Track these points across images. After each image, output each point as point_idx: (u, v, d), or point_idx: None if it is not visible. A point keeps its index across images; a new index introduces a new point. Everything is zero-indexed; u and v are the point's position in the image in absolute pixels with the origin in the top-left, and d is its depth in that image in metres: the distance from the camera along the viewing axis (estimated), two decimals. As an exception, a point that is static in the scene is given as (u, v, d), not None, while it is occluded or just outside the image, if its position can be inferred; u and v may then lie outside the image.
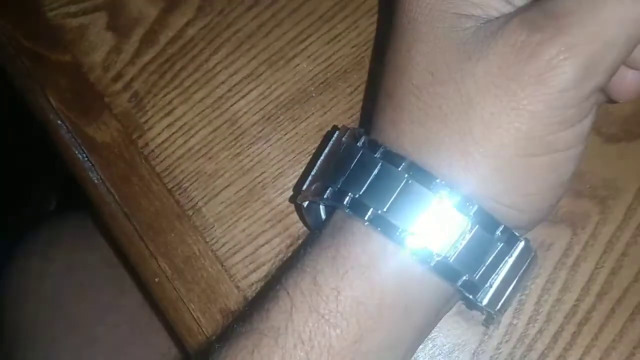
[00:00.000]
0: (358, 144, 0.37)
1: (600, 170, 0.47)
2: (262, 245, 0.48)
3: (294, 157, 0.49)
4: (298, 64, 0.50)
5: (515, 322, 0.46)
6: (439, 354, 0.46)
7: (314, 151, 0.49)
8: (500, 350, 0.46)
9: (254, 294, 0.48)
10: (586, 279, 0.46)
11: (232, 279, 0.48)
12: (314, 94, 0.49)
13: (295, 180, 0.49)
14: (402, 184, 0.35)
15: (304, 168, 0.49)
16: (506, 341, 0.46)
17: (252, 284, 0.48)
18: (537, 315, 0.46)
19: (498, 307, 0.37)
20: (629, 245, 0.46)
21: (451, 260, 0.35)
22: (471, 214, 0.34)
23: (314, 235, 0.38)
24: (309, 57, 0.50)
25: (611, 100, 0.38)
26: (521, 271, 0.37)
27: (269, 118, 0.49)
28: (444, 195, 0.34)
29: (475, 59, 0.34)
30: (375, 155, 0.36)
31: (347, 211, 0.36)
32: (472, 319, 0.46)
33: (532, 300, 0.46)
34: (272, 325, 0.36)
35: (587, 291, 0.46)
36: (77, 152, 0.49)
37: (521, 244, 0.36)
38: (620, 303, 0.46)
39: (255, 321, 0.37)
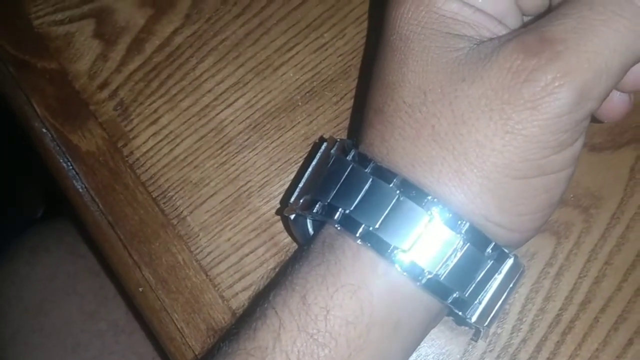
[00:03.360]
0: (347, 157, 0.37)
1: (584, 179, 0.47)
2: (247, 255, 0.48)
3: (280, 166, 0.49)
4: (285, 73, 0.50)
5: (499, 331, 0.46)
6: (424, 363, 0.46)
7: (300, 160, 0.49)
8: (485, 360, 0.46)
9: (240, 308, 0.47)
10: (570, 288, 0.47)
11: (216, 288, 0.48)
12: (300, 103, 0.49)
13: (281, 189, 0.48)
14: (394, 200, 0.35)
15: (290, 177, 0.49)
16: (490, 351, 0.46)
17: (237, 294, 0.48)
18: (520, 324, 0.46)
19: (486, 322, 0.37)
20: (612, 254, 0.47)
21: (442, 278, 0.35)
22: (463, 231, 0.34)
23: (302, 251, 0.38)
24: (295, 65, 0.50)
25: (595, 120, 0.39)
26: (509, 287, 0.37)
27: (255, 127, 0.49)
28: (436, 213, 0.34)
29: (470, 81, 0.34)
30: (366, 170, 0.36)
31: (337, 227, 0.36)
32: (456, 328, 0.46)
33: (516, 310, 0.46)
34: (259, 345, 0.35)
35: (571, 300, 0.46)
36: (61, 160, 0.49)
37: (510, 261, 0.36)
38: (603, 312, 0.46)
39: (242, 340, 0.36)
